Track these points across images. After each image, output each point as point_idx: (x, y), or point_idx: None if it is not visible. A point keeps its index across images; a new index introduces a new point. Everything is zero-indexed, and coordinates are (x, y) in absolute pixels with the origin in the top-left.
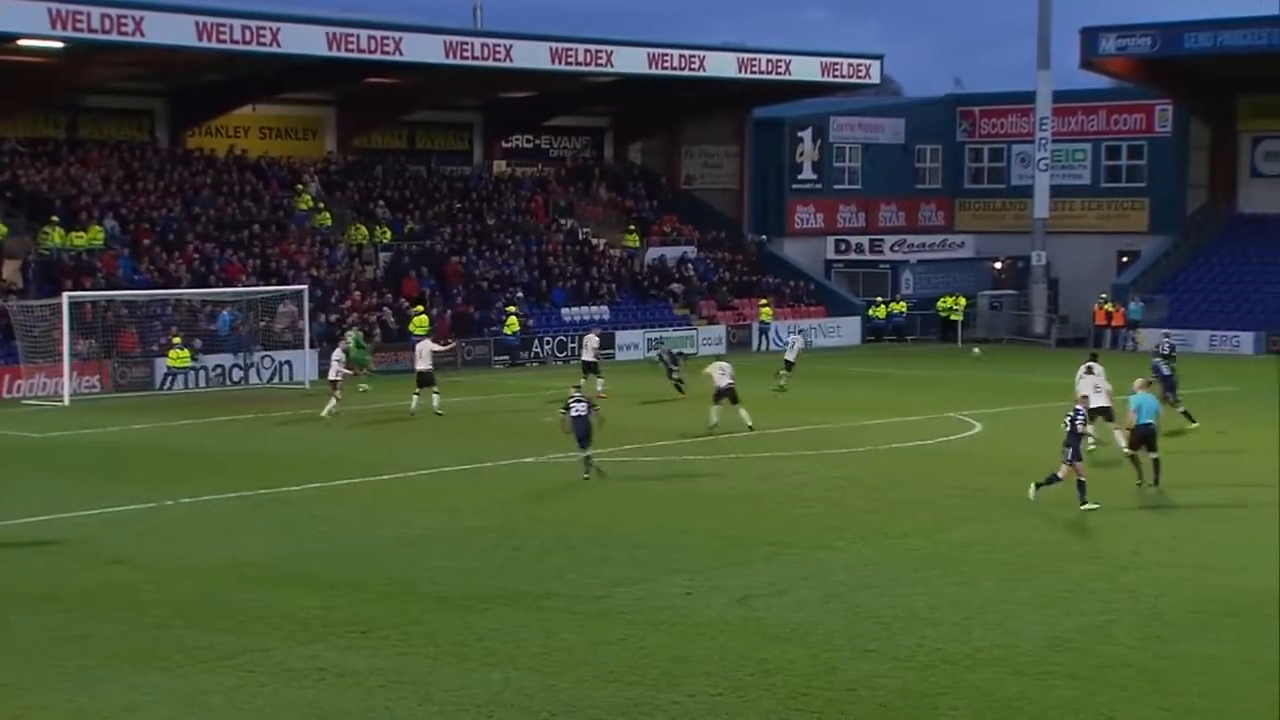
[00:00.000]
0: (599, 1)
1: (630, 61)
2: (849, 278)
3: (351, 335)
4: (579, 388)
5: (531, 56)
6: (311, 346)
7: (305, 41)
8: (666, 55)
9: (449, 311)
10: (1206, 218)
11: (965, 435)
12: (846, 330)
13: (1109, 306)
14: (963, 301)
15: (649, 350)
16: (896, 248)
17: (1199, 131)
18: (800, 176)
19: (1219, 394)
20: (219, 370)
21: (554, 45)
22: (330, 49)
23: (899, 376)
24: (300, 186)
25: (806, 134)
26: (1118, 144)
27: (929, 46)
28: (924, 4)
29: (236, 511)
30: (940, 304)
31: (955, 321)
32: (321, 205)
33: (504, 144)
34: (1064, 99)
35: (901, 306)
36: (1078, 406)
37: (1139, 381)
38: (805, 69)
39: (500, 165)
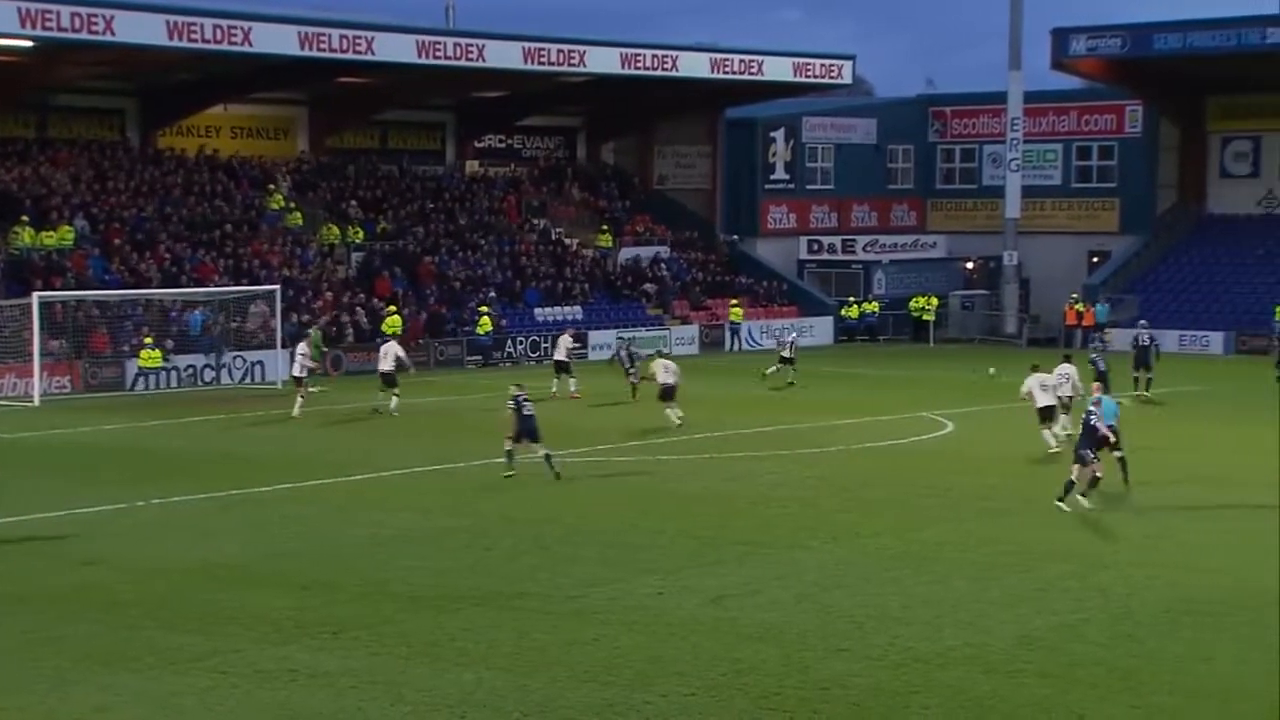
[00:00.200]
0: (571, 1)
1: (603, 61)
2: (821, 278)
3: (314, 333)
4: (521, 385)
5: (504, 56)
6: (283, 346)
7: (277, 41)
8: (639, 55)
9: (423, 313)
10: (1176, 218)
11: (937, 435)
12: (819, 330)
13: (1079, 306)
14: (935, 301)
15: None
16: (869, 248)
17: (1168, 132)
18: (773, 177)
19: (1186, 393)
20: (190, 370)
21: (526, 45)
22: (302, 48)
23: (871, 376)
24: (272, 186)
25: (779, 134)
26: (1088, 144)
27: (901, 47)
28: (896, 5)
29: (209, 512)
30: (912, 304)
31: (927, 321)
32: (293, 205)
33: (476, 144)
34: (1035, 99)
35: (874, 306)
36: (1092, 408)
37: (1095, 385)
38: (777, 69)
39: (473, 165)
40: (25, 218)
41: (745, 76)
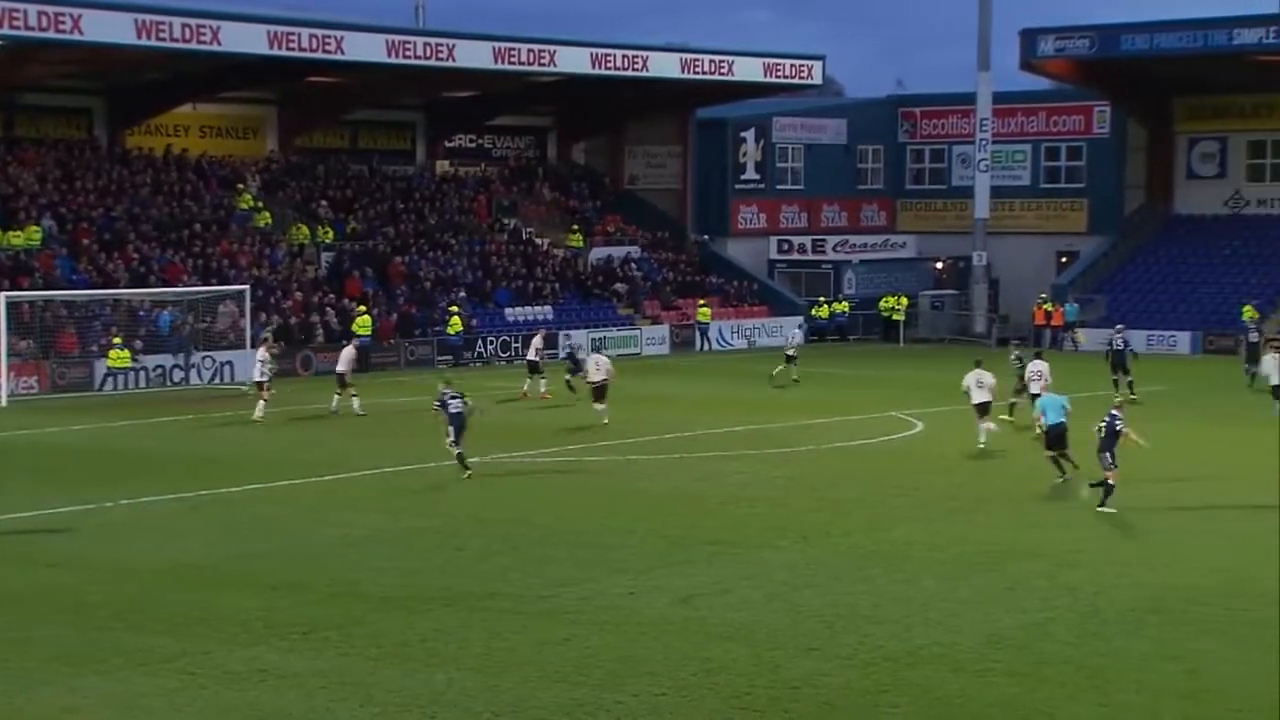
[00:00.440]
0: (542, 1)
1: (573, 61)
2: (792, 278)
3: (270, 332)
4: (449, 383)
5: (474, 56)
6: (253, 347)
7: (246, 40)
8: (609, 55)
9: (393, 313)
10: (1144, 218)
11: (907, 434)
12: (790, 330)
13: (1048, 306)
14: (904, 301)
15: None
16: (839, 248)
17: (1136, 133)
18: (743, 177)
19: (1152, 393)
20: (159, 371)
21: (497, 45)
22: (271, 48)
23: (841, 376)
24: (241, 186)
25: (749, 134)
26: (1057, 145)
27: (870, 47)
28: (865, 5)
29: (177, 513)
30: (882, 304)
31: (897, 321)
32: (262, 205)
33: (447, 143)
34: (1004, 100)
35: (844, 306)
36: (1114, 411)
37: (1043, 383)
38: (748, 69)
39: (443, 165)
40: None
41: (715, 77)
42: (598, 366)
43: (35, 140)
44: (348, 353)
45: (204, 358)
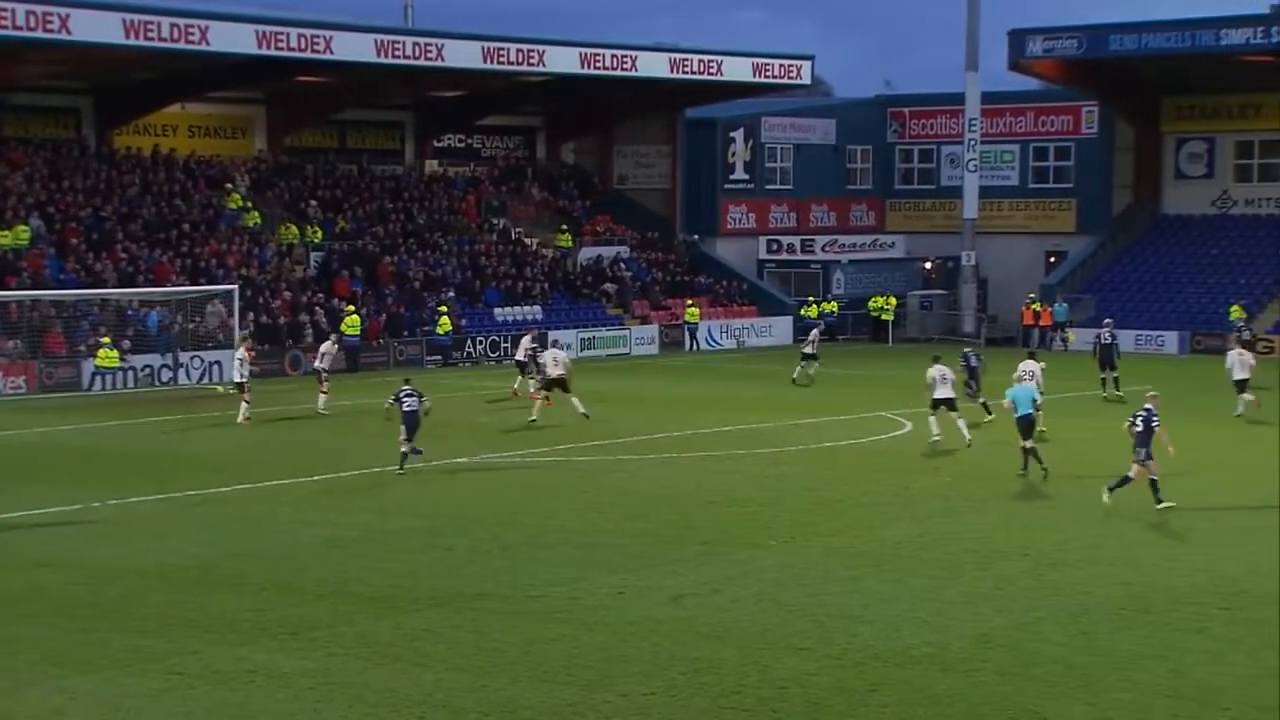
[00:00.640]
0: (531, 1)
1: (562, 61)
2: (781, 278)
3: (247, 333)
4: (409, 380)
5: (463, 55)
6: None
7: (234, 40)
8: (599, 55)
9: (382, 313)
10: (1132, 218)
11: (896, 434)
12: (779, 330)
13: (1036, 306)
14: (893, 301)
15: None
16: (828, 248)
17: (1124, 133)
18: (732, 177)
19: (1139, 393)
20: (147, 370)
21: (486, 44)
22: (260, 47)
23: (831, 376)
24: (229, 186)
25: (738, 134)
26: (1045, 145)
27: (859, 47)
28: (855, 6)
29: (165, 513)
30: (871, 304)
31: (886, 321)
32: (251, 205)
33: (435, 143)
34: (992, 100)
35: (833, 306)
36: (1148, 405)
37: (1016, 375)
38: (737, 69)
39: (432, 165)
40: None
41: (705, 77)
42: (555, 361)
43: (23, 140)
44: (327, 347)
45: (192, 357)
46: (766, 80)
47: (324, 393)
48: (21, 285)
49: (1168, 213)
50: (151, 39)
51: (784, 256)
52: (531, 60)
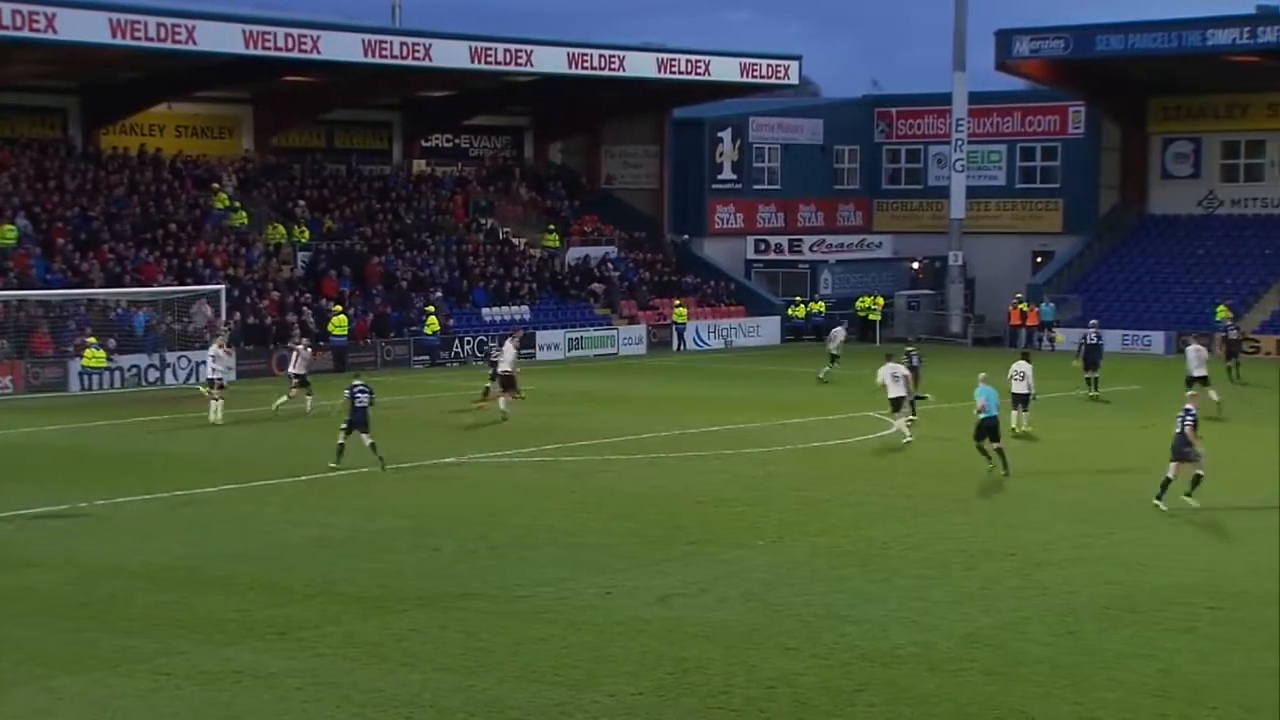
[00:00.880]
0: (519, 1)
1: (550, 61)
2: (769, 278)
3: (223, 334)
4: (358, 376)
5: (451, 55)
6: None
7: (221, 39)
8: (586, 55)
9: (369, 313)
10: (1118, 218)
11: (883, 434)
12: (766, 330)
13: (1023, 306)
14: (881, 301)
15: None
16: (815, 248)
17: (1111, 133)
18: (720, 177)
19: (1125, 393)
20: (134, 370)
21: (473, 44)
22: (247, 47)
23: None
24: (216, 185)
25: (726, 134)
26: (1032, 145)
27: (846, 47)
28: (843, 6)
29: (153, 513)
30: (859, 304)
31: (874, 321)
32: (238, 204)
33: (423, 143)
34: (979, 100)
35: (820, 306)
36: (1188, 406)
37: (982, 375)
38: (724, 69)
39: (420, 164)
40: None
41: (692, 77)
42: (503, 356)
43: (9, 140)
44: (304, 353)
45: (179, 357)
46: (754, 80)
47: (289, 395)
48: (8, 285)
49: (1154, 213)
50: (138, 38)
51: (771, 256)
52: (519, 60)
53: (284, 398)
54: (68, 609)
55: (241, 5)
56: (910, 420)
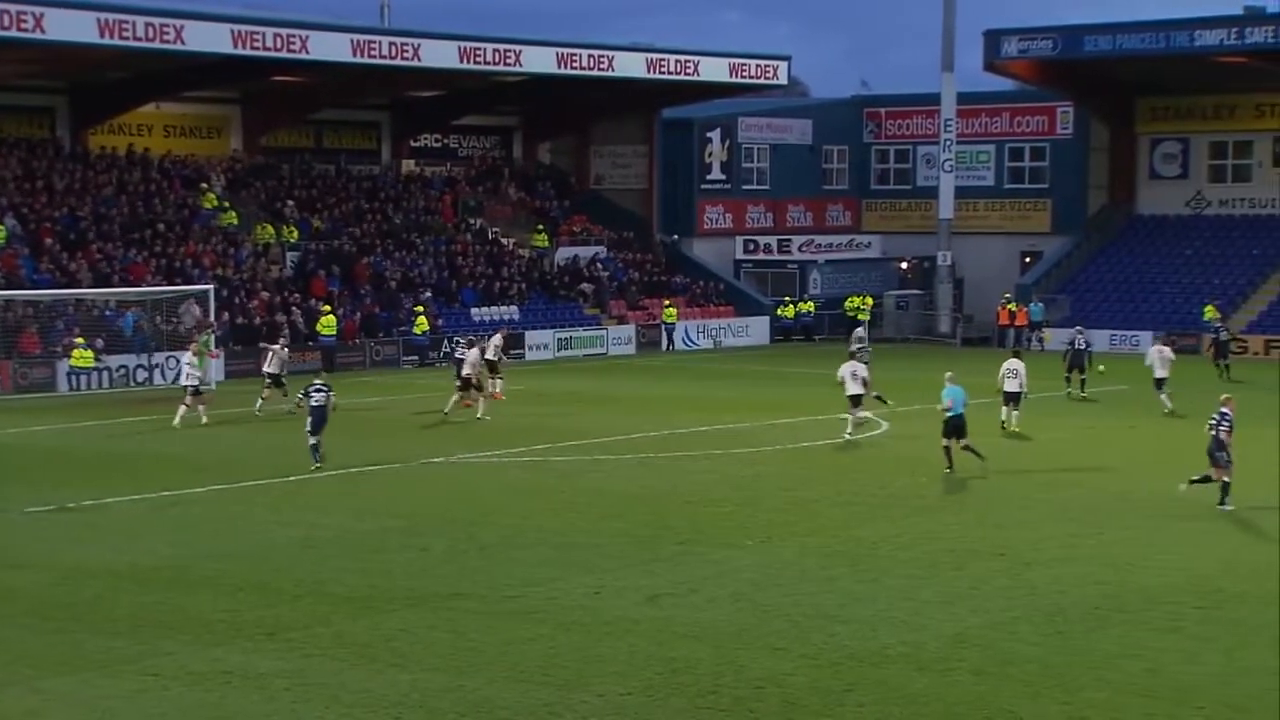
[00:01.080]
0: (508, 1)
1: (539, 61)
2: (758, 278)
3: (201, 338)
4: (320, 375)
5: (440, 55)
6: (216, 346)
7: (210, 39)
8: (575, 55)
9: (358, 313)
10: (1107, 218)
11: (873, 434)
12: (755, 330)
13: (1012, 306)
14: (870, 301)
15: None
16: (804, 248)
17: (1099, 133)
18: (709, 177)
19: (1112, 393)
20: (122, 371)
21: (462, 44)
22: (235, 47)
23: (807, 376)
24: (205, 185)
25: (715, 134)
26: (1020, 145)
27: (835, 48)
28: (832, 7)
29: (141, 514)
30: (848, 304)
31: (862, 321)
32: (227, 204)
33: (412, 143)
34: (968, 101)
35: (809, 306)
36: (1224, 409)
37: (949, 375)
38: (713, 70)
39: (409, 164)
40: None
41: (681, 77)
42: (467, 357)
43: None
44: (280, 353)
45: (167, 358)
46: (743, 80)
47: (263, 397)
48: None
49: (1142, 213)
50: (126, 38)
51: (761, 256)
52: (508, 60)
53: (260, 399)
54: (55, 610)
55: (230, 5)
56: (861, 419)
